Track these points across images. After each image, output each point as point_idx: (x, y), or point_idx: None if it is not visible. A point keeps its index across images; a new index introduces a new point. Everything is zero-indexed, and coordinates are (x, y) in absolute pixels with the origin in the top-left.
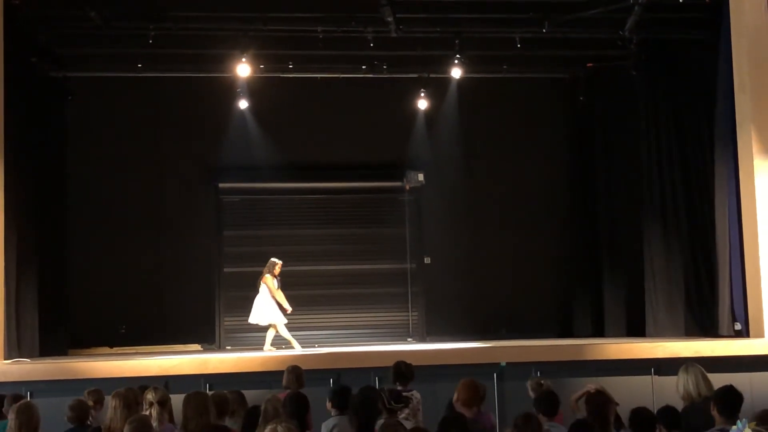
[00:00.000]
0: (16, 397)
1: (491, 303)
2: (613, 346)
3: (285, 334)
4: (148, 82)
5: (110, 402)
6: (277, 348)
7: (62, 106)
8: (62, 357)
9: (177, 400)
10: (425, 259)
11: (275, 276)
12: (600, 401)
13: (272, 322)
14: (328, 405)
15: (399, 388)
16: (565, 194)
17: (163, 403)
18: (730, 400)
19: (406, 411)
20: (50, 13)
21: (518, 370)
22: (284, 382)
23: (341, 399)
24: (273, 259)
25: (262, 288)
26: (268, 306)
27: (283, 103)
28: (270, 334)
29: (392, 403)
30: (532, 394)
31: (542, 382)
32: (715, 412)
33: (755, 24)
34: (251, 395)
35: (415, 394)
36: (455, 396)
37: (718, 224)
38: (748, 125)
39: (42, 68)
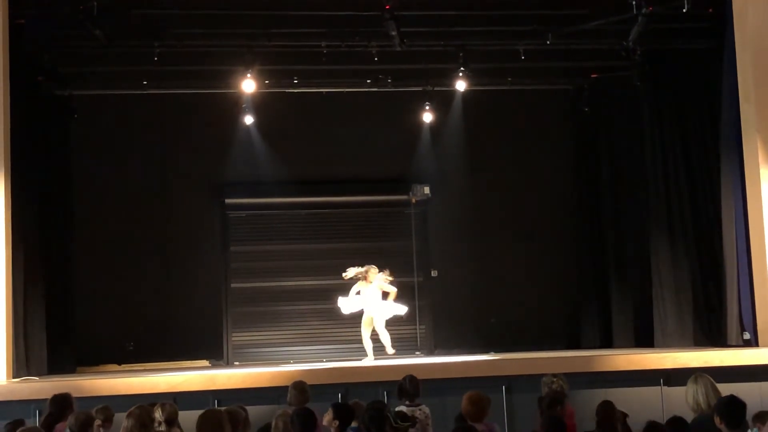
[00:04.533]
0: (17, 423)
1: (499, 315)
2: (622, 357)
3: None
4: (153, 100)
5: (124, 422)
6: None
7: (68, 125)
8: (70, 375)
9: (185, 416)
10: (432, 272)
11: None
12: (607, 412)
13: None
14: (327, 418)
15: (407, 403)
16: (572, 205)
17: (171, 422)
18: (735, 410)
19: (416, 427)
20: (55, 32)
21: (527, 382)
22: (288, 398)
23: (344, 416)
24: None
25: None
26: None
27: (288, 118)
28: (385, 339)
29: (398, 422)
30: (545, 389)
31: (554, 378)
32: (722, 425)
33: (759, 34)
34: (260, 411)
35: (424, 409)
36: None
37: (725, 233)
38: (754, 134)
39: (47, 87)
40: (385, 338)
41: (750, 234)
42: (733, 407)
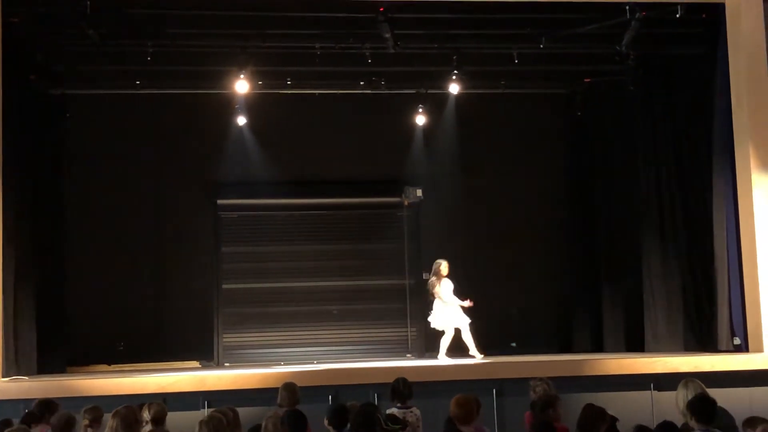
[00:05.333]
0: (5, 423)
1: (490, 318)
2: (613, 361)
3: (466, 338)
4: (146, 99)
5: (110, 421)
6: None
7: (60, 123)
8: (61, 374)
9: (175, 417)
10: (424, 274)
11: (439, 277)
12: (589, 415)
13: (447, 327)
14: (326, 423)
15: (398, 405)
16: (564, 209)
17: (158, 421)
18: (704, 406)
19: (407, 430)
20: (48, 30)
21: (517, 386)
22: (279, 399)
23: (339, 418)
24: (437, 261)
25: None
26: (444, 310)
27: (281, 119)
28: (444, 342)
29: (389, 424)
30: (532, 394)
31: (539, 382)
32: (692, 421)
33: (752, 40)
34: (250, 412)
35: (415, 411)
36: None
37: (716, 239)
38: (746, 140)
39: (40, 85)
40: (447, 342)
41: (741, 239)
42: (702, 403)
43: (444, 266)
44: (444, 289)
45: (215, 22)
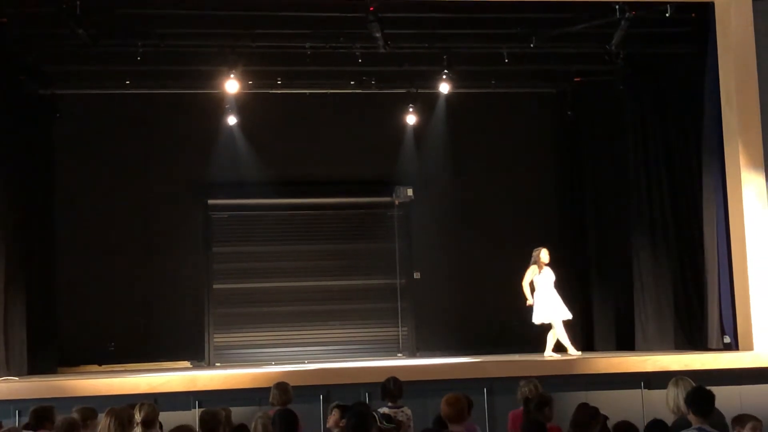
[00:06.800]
0: None
1: (481, 317)
2: (603, 360)
3: (560, 334)
4: (136, 99)
5: (103, 420)
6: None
7: (50, 124)
8: (51, 375)
9: (166, 417)
10: (415, 274)
11: (539, 265)
12: (582, 414)
13: (548, 321)
14: (334, 418)
15: (389, 404)
16: (554, 208)
17: (149, 423)
18: (703, 399)
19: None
20: (38, 30)
21: (508, 384)
22: (271, 398)
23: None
24: (536, 248)
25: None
26: (543, 302)
27: (271, 119)
28: (551, 337)
29: (384, 422)
30: (520, 394)
31: (527, 382)
32: (690, 415)
33: (741, 39)
34: (241, 412)
35: (406, 411)
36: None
37: (706, 238)
38: (735, 139)
39: (30, 86)
40: (554, 337)
41: (731, 238)
42: (701, 396)
43: (544, 253)
44: (543, 279)
45: (205, 21)
